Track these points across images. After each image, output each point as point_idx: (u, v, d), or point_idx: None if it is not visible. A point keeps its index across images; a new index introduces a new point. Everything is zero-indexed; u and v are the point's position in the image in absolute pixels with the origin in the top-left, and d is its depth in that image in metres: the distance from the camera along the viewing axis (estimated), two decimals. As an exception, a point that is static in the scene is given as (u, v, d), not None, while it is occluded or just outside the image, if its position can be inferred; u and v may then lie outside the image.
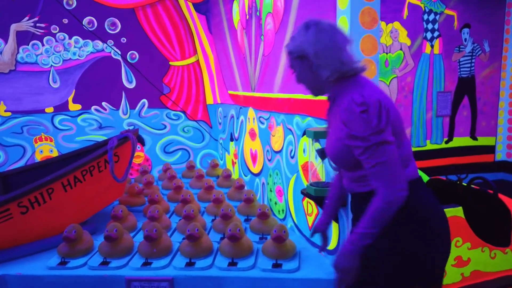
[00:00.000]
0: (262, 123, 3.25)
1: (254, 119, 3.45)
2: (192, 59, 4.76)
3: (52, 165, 3.36)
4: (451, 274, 2.35)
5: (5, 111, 4.23)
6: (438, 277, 1.41)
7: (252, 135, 3.51)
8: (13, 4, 4.12)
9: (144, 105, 4.63)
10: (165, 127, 4.71)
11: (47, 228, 2.64)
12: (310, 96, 2.34)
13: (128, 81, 4.55)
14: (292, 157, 2.71)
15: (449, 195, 2.73)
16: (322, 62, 1.34)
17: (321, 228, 1.71)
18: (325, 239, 1.73)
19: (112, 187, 3.04)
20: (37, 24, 4.22)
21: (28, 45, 4.22)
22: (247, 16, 3.42)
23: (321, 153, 2.08)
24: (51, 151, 4.37)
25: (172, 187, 3.57)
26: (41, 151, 4.35)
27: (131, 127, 4.56)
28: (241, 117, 3.80)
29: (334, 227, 2.20)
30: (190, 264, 2.25)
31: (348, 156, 1.33)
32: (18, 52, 4.19)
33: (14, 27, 4.15)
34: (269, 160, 3.16)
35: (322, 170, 2.25)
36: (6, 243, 2.49)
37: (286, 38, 2.68)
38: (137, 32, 4.51)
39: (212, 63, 4.76)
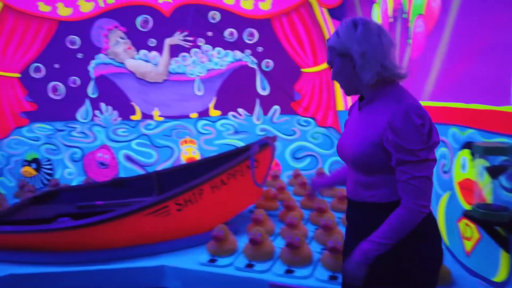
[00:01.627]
0: (406, 132, 3.02)
1: (395, 128, 3.23)
2: (324, 65, 4.72)
3: (197, 167, 3.69)
4: None
5: (159, 116, 4.81)
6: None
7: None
8: (166, 20, 4.64)
9: (276, 111, 4.77)
10: (295, 133, 4.77)
11: (196, 225, 2.89)
12: (478, 106, 2.08)
13: (262, 88, 4.75)
14: (445, 172, 2.45)
15: None
16: (366, 64, 1.29)
17: (318, 185, 1.75)
18: (314, 192, 1.79)
19: (251, 190, 3.18)
20: (186, 38, 4.69)
21: (178, 57, 4.72)
22: (391, 19, 3.24)
23: (493, 172, 1.82)
24: (194, 153, 4.81)
25: (304, 194, 3.58)
26: (186, 153, 4.82)
27: (263, 133, 4.74)
28: (378, 125, 3.61)
29: (504, 257, 1.91)
30: (289, 272, 2.27)
31: (376, 161, 1.28)
32: (170, 64, 4.72)
33: (168, 41, 4.69)
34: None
35: (489, 191, 1.98)
36: (164, 236, 2.79)
37: (442, 42, 2.45)
38: (272, 41, 4.68)
39: (345, 68, 4.65)
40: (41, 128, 4.75)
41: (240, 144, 4.72)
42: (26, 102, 4.71)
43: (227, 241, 2.60)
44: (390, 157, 1.25)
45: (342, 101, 4.72)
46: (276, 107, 4.77)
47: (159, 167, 4.76)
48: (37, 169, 4.75)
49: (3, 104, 4.67)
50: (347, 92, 1.43)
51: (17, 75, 4.65)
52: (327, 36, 4.64)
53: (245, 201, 3.22)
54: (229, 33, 4.68)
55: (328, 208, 3.04)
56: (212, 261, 2.49)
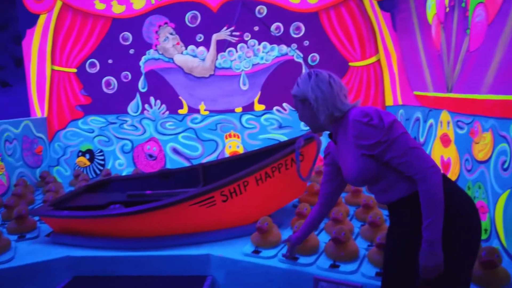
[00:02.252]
0: (461, 127, 2.87)
1: (449, 123, 3.08)
2: (372, 59, 4.59)
3: (241, 160, 3.72)
4: None
5: (205, 110, 4.90)
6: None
7: (445, 141, 3.14)
8: (214, 16, 4.71)
9: (321, 106, 4.69)
10: (341, 128, 4.67)
11: (241, 216, 2.91)
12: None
13: (308, 82, 4.69)
14: (504, 170, 2.30)
15: None
16: (319, 107, 1.51)
17: (294, 242, 2.02)
18: (293, 251, 2.07)
19: (295, 184, 3.15)
20: (233, 33, 4.73)
21: (224, 52, 4.78)
22: (447, 9, 3.07)
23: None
24: (237, 146, 4.85)
25: (350, 190, 3.50)
26: (230, 146, 4.87)
27: (308, 128, 4.68)
28: (430, 121, 3.46)
29: None
30: (334, 267, 2.25)
31: (371, 167, 1.44)
32: (217, 59, 4.79)
33: (215, 37, 4.76)
34: (469, 171, 2.77)
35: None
36: (210, 226, 2.84)
37: (505, 31, 2.28)
38: (319, 34, 4.60)
39: (395, 62, 4.49)
40: (94, 121, 5.00)
41: (284, 139, 4.70)
42: (81, 96, 4.98)
43: (271, 233, 2.60)
44: (378, 159, 1.42)
45: (391, 96, 4.56)
46: (322, 102, 4.69)
47: (204, 160, 4.86)
48: (91, 160, 5.01)
49: (61, 98, 4.97)
50: (314, 130, 1.65)
51: (74, 70, 4.93)
52: (376, 29, 4.50)
53: (289, 195, 3.21)
54: (276, 27, 4.67)
55: (375, 204, 2.96)
56: (256, 252, 2.50)
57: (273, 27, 4.66)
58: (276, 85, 4.74)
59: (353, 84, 4.62)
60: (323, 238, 2.65)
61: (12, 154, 4.32)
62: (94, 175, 4.98)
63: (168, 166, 4.92)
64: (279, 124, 4.78)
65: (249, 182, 2.88)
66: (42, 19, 4.87)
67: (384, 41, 4.51)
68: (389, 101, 4.57)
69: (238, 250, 2.58)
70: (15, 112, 5.00)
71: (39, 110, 4.98)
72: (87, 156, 5.01)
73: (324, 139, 2.85)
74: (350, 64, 4.61)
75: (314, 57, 4.65)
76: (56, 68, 4.93)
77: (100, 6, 4.81)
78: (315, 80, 1.53)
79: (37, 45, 4.89)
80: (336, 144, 1.61)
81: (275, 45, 4.69)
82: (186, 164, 4.89)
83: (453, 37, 2.98)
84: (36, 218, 3.20)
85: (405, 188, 1.44)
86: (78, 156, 5.01)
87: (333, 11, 4.55)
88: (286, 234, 2.75)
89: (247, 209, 2.92)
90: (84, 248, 2.76)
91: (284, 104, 4.76)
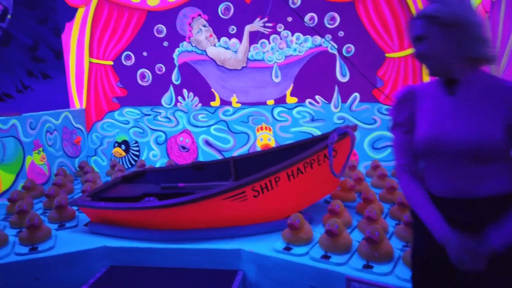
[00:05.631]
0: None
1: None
2: (411, 50, 4.40)
3: (273, 154, 3.70)
4: None
5: (237, 102, 4.89)
6: None
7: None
8: (247, 7, 4.66)
9: (355, 99, 4.58)
10: (376, 122, 4.54)
11: (272, 212, 2.90)
12: None
13: (342, 74, 4.57)
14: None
15: None
16: (472, 38, 1.18)
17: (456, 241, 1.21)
18: (477, 257, 1.17)
19: (327, 181, 3.10)
20: (266, 24, 4.67)
21: (257, 43, 4.73)
22: (495, -3, 2.88)
23: None
24: (269, 139, 4.83)
25: (385, 186, 3.41)
26: (261, 139, 4.86)
27: (341, 121, 4.59)
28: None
29: None
30: (367, 267, 2.18)
31: (498, 147, 1.16)
32: (249, 51, 4.76)
33: (247, 28, 4.72)
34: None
35: None
36: (241, 221, 2.84)
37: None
38: (354, 24, 4.46)
39: (435, 53, 4.29)
40: (130, 112, 5.12)
41: (316, 132, 4.63)
42: (117, 88, 5.10)
43: (303, 230, 2.57)
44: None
45: (430, 89, 4.37)
46: (356, 94, 4.57)
47: (236, 153, 4.88)
48: (126, 150, 5.15)
49: (98, 90, 5.12)
50: (436, 72, 1.28)
51: (110, 62, 5.05)
52: (415, 18, 4.30)
53: (321, 191, 3.16)
54: (310, 18, 4.56)
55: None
56: (287, 249, 2.48)
57: (306, 17, 4.56)
58: (309, 77, 4.65)
59: (390, 76, 4.46)
60: (356, 237, 2.59)
61: (53, 144, 4.50)
62: (129, 166, 5.12)
63: (200, 158, 4.98)
64: (311, 117, 4.70)
65: (280, 177, 2.85)
66: (80, 12, 5.00)
67: (424, 31, 4.31)
68: (427, 94, 4.38)
69: (269, 246, 2.57)
70: (56, 103, 5.20)
71: (77, 102, 5.16)
72: (123, 147, 5.15)
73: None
74: (387, 55, 4.45)
75: (349, 48, 4.51)
76: (94, 60, 5.07)
77: (135, -1, 4.88)
78: (470, 5, 1.22)
79: (75, 38, 5.04)
80: (452, 94, 1.26)
81: (308, 36, 4.59)
82: (218, 156, 4.93)
83: (500, 27, 2.80)
84: (75, 207, 3.33)
85: (503, 184, 1.20)
86: (114, 147, 5.16)
87: (370, 0, 4.38)
88: (318, 231, 2.72)
89: (278, 204, 2.90)
90: (120, 239, 2.84)
91: (317, 97, 4.67)
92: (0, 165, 3.59)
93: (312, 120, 4.70)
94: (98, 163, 5.19)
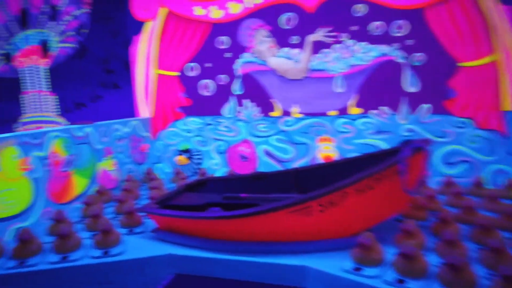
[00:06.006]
0: None
1: None
2: (487, 59, 4.09)
3: (337, 167, 3.58)
4: None
5: (298, 112, 4.84)
6: None
7: None
8: (310, 17, 4.61)
9: (425, 110, 4.33)
10: (447, 135, 4.26)
11: (338, 229, 2.78)
12: None
13: (410, 84, 4.35)
14: None
15: None
16: None
17: None
18: None
19: (399, 198, 2.92)
20: (329, 33, 4.59)
21: (319, 53, 4.65)
22: None
23: None
24: (331, 151, 4.71)
25: (460, 205, 3.15)
26: (323, 151, 4.75)
27: (409, 134, 4.35)
28: None
29: None
30: None
31: None
32: (311, 60, 4.69)
33: (310, 38, 4.66)
34: None
35: None
36: (305, 236, 2.76)
37: None
38: (424, 33, 4.24)
39: (517, 61, 3.94)
40: (193, 122, 5.26)
41: (382, 144, 4.43)
42: (182, 98, 5.27)
43: (374, 250, 2.44)
44: None
45: (510, 100, 4.02)
46: (426, 105, 4.32)
47: (296, 164, 4.81)
48: (189, 158, 5.28)
49: (165, 100, 5.32)
50: None
51: (177, 73, 5.23)
52: (492, 25, 3.99)
53: (391, 209, 2.98)
54: (376, 26, 4.41)
55: (495, 225, 2.61)
56: (357, 269, 2.36)
57: (372, 26, 4.41)
58: (374, 87, 4.48)
59: (463, 87, 4.17)
60: (432, 260, 2.41)
61: (122, 151, 4.72)
62: (191, 174, 5.24)
63: (260, 168, 4.97)
64: (377, 129, 4.51)
65: (348, 193, 2.73)
66: (147, 26, 5.24)
67: (503, 39, 3.99)
68: (507, 106, 4.03)
69: (336, 265, 2.47)
70: (123, 112, 5.47)
71: (144, 111, 5.39)
72: (186, 155, 5.29)
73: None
74: (460, 64, 4.17)
75: (419, 57, 4.29)
76: (161, 72, 5.28)
77: (200, 12, 5.02)
78: None
79: (143, 50, 5.29)
80: None
81: (374, 45, 4.43)
82: (278, 166, 4.89)
83: None
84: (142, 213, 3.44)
85: None
86: (177, 155, 5.32)
87: (442, 7, 4.14)
88: (389, 251, 2.56)
89: (345, 221, 2.79)
90: (185, 247, 2.88)
91: (383, 108, 4.48)
92: (76, 170, 3.81)
93: (378, 132, 4.51)
94: (163, 170, 5.36)
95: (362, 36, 4.48)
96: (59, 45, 5.83)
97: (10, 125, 6.04)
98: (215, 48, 5.05)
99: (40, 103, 5.96)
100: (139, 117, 5.37)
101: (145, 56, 5.30)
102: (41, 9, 5.77)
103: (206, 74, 5.14)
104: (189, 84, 5.21)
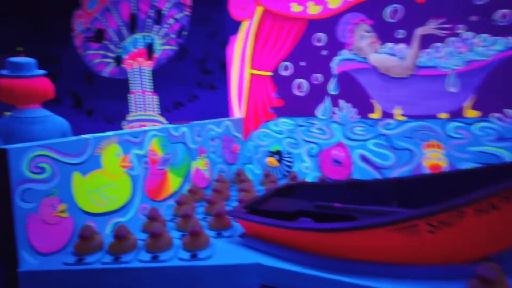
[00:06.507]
0: None
1: None
2: None
3: (448, 179, 3.09)
4: None
5: (400, 115, 4.36)
6: None
7: None
8: (419, 8, 4.11)
9: None
10: None
11: (450, 254, 2.37)
12: None
13: (546, 83, 3.61)
14: None
15: None
16: None
17: None
18: None
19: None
20: (442, 26, 4.03)
21: (429, 48, 4.12)
22: None
23: None
24: (439, 159, 4.15)
25: None
26: (430, 158, 4.21)
27: (543, 142, 3.62)
28: None
29: None
30: None
31: None
32: (419, 56, 4.18)
33: (419, 31, 4.16)
34: None
35: None
36: (408, 259, 2.40)
37: None
38: None
39: None
40: (285, 123, 5.10)
41: (505, 154, 3.76)
42: (275, 99, 5.15)
43: (500, 285, 1.98)
44: None
45: None
46: None
47: (396, 172, 4.35)
48: (279, 161, 5.15)
49: (257, 101, 5.26)
50: None
51: (270, 73, 5.13)
52: None
53: (522, 235, 2.45)
54: (502, 15, 3.74)
55: None
56: (478, 308, 1.94)
57: (496, 15, 3.75)
58: (497, 86, 3.82)
59: None
60: None
61: (214, 151, 4.77)
62: (281, 176, 5.09)
63: (355, 174, 4.61)
64: (498, 135, 3.84)
65: (466, 212, 2.29)
66: (244, 26, 5.22)
67: None
68: None
69: (450, 297, 2.08)
70: (217, 112, 5.55)
71: (237, 111, 5.40)
72: (276, 157, 5.16)
73: None
74: None
75: (559, 50, 3.53)
76: (254, 71, 5.23)
77: (296, 8, 4.84)
78: None
79: (238, 50, 5.29)
80: None
81: (499, 37, 3.77)
82: (375, 173, 4.48)
83: None
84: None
85: None
86: (268, 156, 5.22)
87: None
88: (519, 287, 2.08)
89: (459, 245, 2.35)
90: (273, 257, 2.72)
91: (508, 111, 3.79)
92: (171, 168, 3.91)
93: (500, 138, 3.84)
94: (253, 171, 5.32)
95: (483, 27, 3.85)
96: (161, 47, 6.14)
97: (119, 122, 6.58)
98: (310, 45, 4.81)
99: (144, 103, 6.37)
100: (232, 117, 5.39)
101: (240, 56, 5.30)
102: (147, 14, 6.14)
103: (300, 73, 4.94)
104: (281, 84, 5.07)
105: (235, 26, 5.29)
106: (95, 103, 6.77)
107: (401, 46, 4.28)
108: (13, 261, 2.54)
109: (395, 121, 4.40)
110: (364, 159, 4.60)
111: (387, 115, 4.45)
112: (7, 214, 2.51)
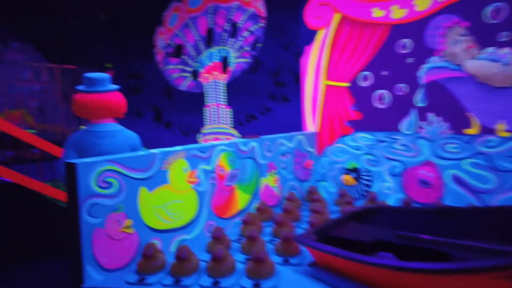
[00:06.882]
0: None
1: None
2: None
3: None
4: None
5: (505, 130, 3.71)
6: None
7: None
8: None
9: None
10: None
11: None
12: None
13: None
14: None
15: None
16: None
17: None
18: None
19: None
20: (561, 24, 3.35)
21: (543, 52, 3.45)
22: None
23: None
24: (557, 185, 3.42)
25: None
26: (544, 183, 3.49)
27: None
28: None
29: None
30: None
31: None
32: (530, 62, 3.52)
33: None
34: None
35: None
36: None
37: None
38: None
39: None
40: (363, 138, 4.67)
41: None
42: (352, 111, 4.75)
43: None
44: None
45: None
46: None
47: (498, 198, 3.68)
48: (356, 179, 4.72)
49: (332, 113, 4.91)
50: None
51: (347, 84, 4.75)
52: None
53: None
54: None
55: None
56: None
57: None
58: None
59: None
60: None
61: (285, 167, 4.52)
62: (358, 196, 4.66)
63: (447, 198, 4.01)
64: None
65: None
66: (319, 35, 4.93)
67: None
68: None
69: None
70: (290, 126, 5.32)
71: (310, 125, 5.10)
72: (353, 174, 4.74)
73: None
74: None
75: None
76: (330, 82, 4.90)
77: (378, 13, 4.43)
78: None
79: (313, 61, 5.01)
80: None
81: None
82: (472, 199, 3.84)
83: None
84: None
85: None
86: (344, 174, 4.82)
87: None
88: None
89: None
90: (347, 294, 2.36)
91: None
92: (239, 185, 3.74)
93: None
94: (327, 189, 4.95)
95: None
96: (236, 60, 6.11)
97: (194, 135, 6.68)
98: (393, 53, 4.36)
99: (218, 116, 6.37)
100: (305, 131, 5.10)
101: (315, 67, 5.02)
102: (223, 28, 6.17)
103: (381, 83, 4.49)
104: (360, 95, 4.66)
105: (310, 36, 5.03)
106: (173, 116, 6.97)
107: (505, 50, 3.65)
108: (79, 276, 2.54)
109: (498, 137, 3.75)
110: (458, 181, 3.99)
111: (487, 130, 3.82)
112: (75, 229, 2.51)
